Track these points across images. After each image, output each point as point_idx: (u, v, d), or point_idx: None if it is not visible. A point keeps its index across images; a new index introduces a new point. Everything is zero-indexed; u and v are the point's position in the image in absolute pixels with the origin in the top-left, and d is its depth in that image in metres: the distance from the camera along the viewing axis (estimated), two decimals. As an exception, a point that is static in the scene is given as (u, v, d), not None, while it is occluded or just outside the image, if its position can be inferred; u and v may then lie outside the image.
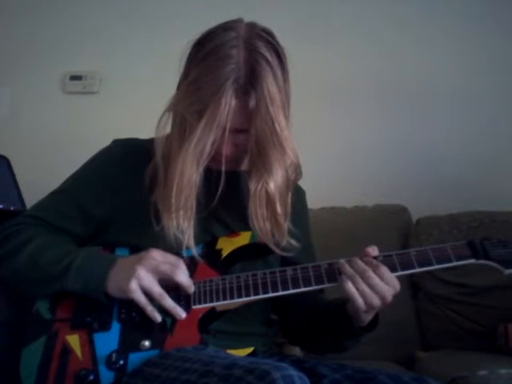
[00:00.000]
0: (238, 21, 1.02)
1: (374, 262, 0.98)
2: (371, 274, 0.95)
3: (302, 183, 1.21)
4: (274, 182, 1.03)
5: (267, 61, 0.97)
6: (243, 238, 1.10)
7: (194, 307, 1.01)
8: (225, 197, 1.06)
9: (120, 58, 2.31)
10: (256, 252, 1.10)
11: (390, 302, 0.96)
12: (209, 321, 1.02)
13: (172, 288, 1.01)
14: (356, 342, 1.08)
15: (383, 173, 2.08)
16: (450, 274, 1.69)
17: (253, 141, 0.99)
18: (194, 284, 1.02)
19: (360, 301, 0.95)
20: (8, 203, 1.53)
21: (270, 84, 0.96)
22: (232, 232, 1.12)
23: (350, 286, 0.96)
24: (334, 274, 1.00)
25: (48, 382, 0.96)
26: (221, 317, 1.03)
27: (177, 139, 1.02)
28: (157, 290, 0.98)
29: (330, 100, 2.15)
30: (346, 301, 1.01)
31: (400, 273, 0.99)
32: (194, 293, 1.02)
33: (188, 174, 1.00)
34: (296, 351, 1.37)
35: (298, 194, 1.22)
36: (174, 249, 1.03)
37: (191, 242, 1.03)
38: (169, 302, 0.99)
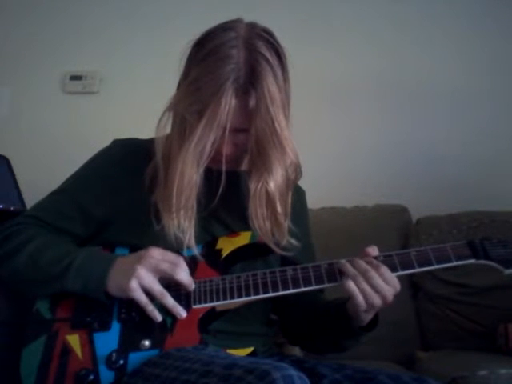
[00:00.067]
0: (238, 21, 1.02)
1: (375, 262, 0.98)
2: (373, 273, 0.96)
3: (301, 183, 1.21)
4: (274, 182, 1.03)
5: (267, 60, 0.97)
6: (243, 238, 1.10)
7: (194, 307, 1.01)
8: (225, 197, 1.06)
9: (120, 58, 2.31)
10: (256, 252, 1.10)
11: (390, 301, 0.96)
12: (209, 321, 1.02)
13: (172, 287, 1.01)
14: (356, 342, 1.08)
15: (383, 173, 2.08)
16: (450, 274, 1.69)
17: (253, 140, 0.99)
18: (195, 283, 1.02)
19: (361, 299, 0.95)
20: (8, 203, 1.53)
21: (270, 84, 0.96)
22: (232, 232, 1.12)
23: (351, 285, 0.96)
24: (334, 274, 1.01)
25: (48, 382, 0.96)
26: (221, 317, 1.03)
27: (177, 139, 1.02)
28: (157, 288, 0.99)
29: (330, 100, 2.15)
30: (345, 301, 1.02)
31: (400, 273, 0.99)
32: (194, 292, 1.02)
33: (188, 174, 1.00)
34: (296, 351, 1.37)
35: (298, 194, 1.22)
36: (175, 248, 1.02)
37: (192, 242, 1.03)
38: (170, 301, 0.99)
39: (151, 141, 1.08)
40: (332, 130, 2.12)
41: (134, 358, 0.96)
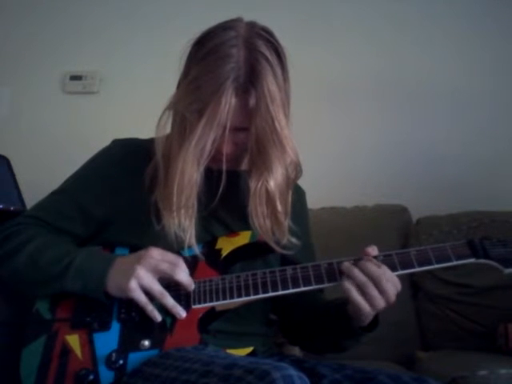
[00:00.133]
0: (238, 20, 1.02)
1: (375, 261, 0.98)
2: (382, 276, 0.94)
3: (301, 183, 1.21)
4: (274, 180, 1.03)
5: (267, 59, 0.97)
6: (243, 238, 1.10)
7: (193, 307, 1.01)
8: (225, 196, 1.06)
9: (120, 58, 2.31)
10: (256, 252, 1.10)
11: (394, 301, 0.96)
12: (208, 321, 1.02)
13: (172, 287, 1.01)
14: (356, 342, 1.08)
15: (383, 173, 2.08)
16: (450, 274, 1.69)
17: (253, 139, 0.99)
18: (194, 283, 1.02)
19: (367, 307, 0.94)
20: (8, 203, 1.52)
21: (270, 83, 0.96)
22: (232, 232, 1.12)
23: (356, 295, 0.94)
24: (334, 274, 1.00)
25: (48, 382, 0.96)
26: (220, 316, 1.03)
27: (177, 138, 1.02)
28: (157, 288, 0.99)
29: (330, 100, 2.15)
30: (346, 301, 1.01)
31: (400, 272, 0.99)
32: (194, 292, 1.02)
33: (189, 172, 1.00)
34: (296, 351, 1.37)
35: (298, 194, 1.22)
36: (175, 248, 1.03)
37: (193, 241, 1.03)
38: (169, 301, 0.99)
39: (151, 141, 1.08)
40: (332, 130, 2.13)
41: (134, 358, 0.96)
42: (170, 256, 1.01)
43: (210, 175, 1.05)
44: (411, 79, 2.12)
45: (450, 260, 1.00)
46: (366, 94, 2.13)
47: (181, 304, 1.00)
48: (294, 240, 1.07)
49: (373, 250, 1.01)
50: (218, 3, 2.09)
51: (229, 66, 0.95)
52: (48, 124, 2.29)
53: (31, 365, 0.98)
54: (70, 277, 1.00)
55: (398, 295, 0.98)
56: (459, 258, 1.00)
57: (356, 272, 0.97)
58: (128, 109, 2.20)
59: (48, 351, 0.99)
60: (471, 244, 1.01)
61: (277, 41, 1.01)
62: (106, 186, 1.12)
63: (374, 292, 0.94)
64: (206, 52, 0.98)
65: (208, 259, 1.07)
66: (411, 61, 2.13)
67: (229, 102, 0.95)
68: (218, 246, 1.10)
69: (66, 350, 0.98)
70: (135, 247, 1.06)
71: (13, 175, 1.69)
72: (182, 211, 1.02)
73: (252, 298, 1.01)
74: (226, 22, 1.02)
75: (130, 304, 1.00)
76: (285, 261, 1.10)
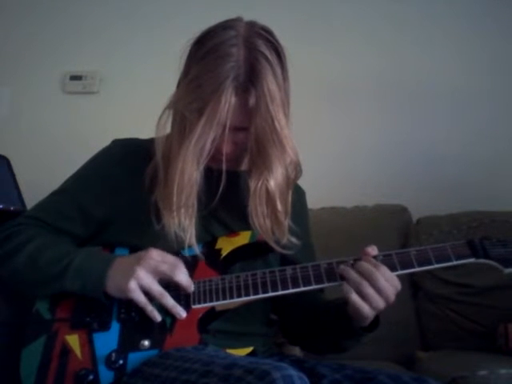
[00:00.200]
0: (238, 19, 1.03)
1: (374, 261, 0.98)
2: (378, 275, 0.94)
3: (301, 183, 1.21)
4: (274, 180, 1.03)
5: (267, 59, 0.97)
6: (243, 238, 1.10)
7: (193, 307, 1.01)
8: (224, 196, 1.06)
9: (120, 58, 2.31)
10: (255, 251, 1.10)
11: (393, 301, 0.96)
12: (208, 320, 1.02)
13: (172, 287, 1.01)
14: (356, 343, 1.07)
15: (383, 173, 2.08)
16: (450, 274, 1.69)
17: (253, 139, 0.99)
18: (194, 283, 1.02)
19: (366, 307, 0.94)
20: (8, 203, 1.52)
21: (270, 82, 0.96)
22: (231, 232, 1.12)
23: (354, 296, 0.94)
24: (334, 274, 1.00)
25: (48, 382, 0.96)
26: (220, 316, 1.03)
27: (177, 138, 1.02)
28: (157, 288, 0.98)
29: (330, 100, 2.15)
30: (346, 301, 1.01)
31: (400, 272, 0.99)
32: (194, 292, 1.02)
33: (188, 172, 1.00)
34: (296, 351, 1.37)
35: (298, 194, 1.22)
36: (175, 248, 1.03)
37: (193, 240, 1.03)
38: (169, 301, 0.99)
39: (151, 141, 1.08)
40: (332, 130, 2.13)
41: (134, 358, 0.96)
42: (170, 258, 1.01)
43: (210, 175, 1.05)
44: (411, 79, 2.12)
45: (449, 260, 1.00)
46: (366, 93, 2.13)
47: (180, 304, 1.00)
48: (293, 240, 1.07)
49: (372, 250, 1.00)
50: (218, 3, 2.09)
51: (229, 65, 0.95)
52: (48, 124, 2.29)
53: (31, 365, 0.98)
54: (69, 277, 1.00)
55: (398, 295, 0.98)
56: (459, 257, 1.00)
57: (350, 272, 0.97)
58: (128, 109, 2.20)
59: (48, 351, 0.99)
60: (471, 244, 1.01)
61: (277, 40, 1.01)
62: (106, 186, 1.12)
63: (369, 291, 0.94)
64: (206, 51, 0.98)
65: (208, 259, 1.07)
66: (411, 61, 2.13)
67: (228, 101, 0.95)
68: (217, 246, 1.10)
69: (66, 350, 0.98)
70: (135, 247, 1.06)
71: (13, 175, 1.69)
72: (182, 211, 1.02)
73: (252, 298, 1.01)
74: (225, 22, 1.02)
75: (130, 304, 1.00)
76: (284, 261, 1.10)
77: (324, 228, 1.70)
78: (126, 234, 1.10)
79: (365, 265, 0.97)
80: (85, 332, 1.00)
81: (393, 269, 0.98)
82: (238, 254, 1.09)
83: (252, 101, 0.96)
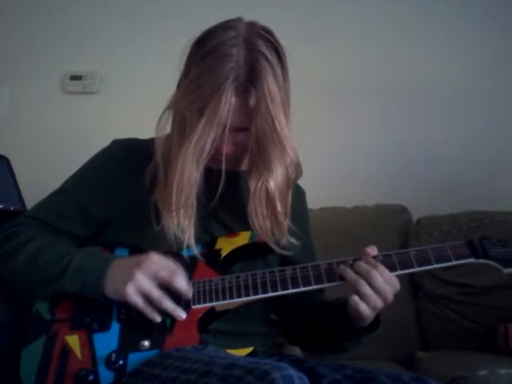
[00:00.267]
0: (238, 20, 1.02)
1: (373, 261, 0.98)
2: (375, 273, 0.95)
3: (301, 183, 1.21)
4: (274, 181, 1.03)
5: (267, 59, 0.97)
6: (242, 238, 1.10)
7: (193, 307, 1.01)
8: (224, 197, 1.06)
9: (120, 58, 2.31)
10: (255, 252, 1.10)
11: (391, 301, 0.96)
12: (208, 321, 1.02)
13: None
14: (357, 343, 1.07)
15: (383, 173, 2.08)
16: (450, 274, 1.69)
17: (253, 139, 0.99)
18: (194, 284, 1.02)
19: (364, 307, 0.94)
20: (8, 203, 1.53)
21: (270, 82, 0.96)
22: (231, 232, 1.12)
23: (353, 297, 0.95)
24: (334, 274, 1.00)
25: (48, 382, 0.96)
26: (220, 317, 1.03)
27: (177, 138, 1.02)
28: (156, 293, 0.98)
29: (330, 100, 2.15)
30: (346, 301, 1.01)
31: (399, 272, 0.99)
32: (194, 293, 1.02)
33: (188, 172, 1.00)
34: (296, 351, 1.37)
35: (298, 194, 1.22)
36: (174, 248, 1.02)
37: (192, 241, 1.03)
38: (169, 305, 0.99)
39: (151, 141, 1.08)
40: (332, 130, 2.13)
41: (134, 359, 0.96)
42: (170, 263, 1.01)
43: (210, 175, 1.05)
44: (411, 79, 2.12)
45: (449, 260, 1.00)
46: (366, 93, 2.13)
47: (180, 304, 1.00)
48: (293, 240, 1.07)
49: (372, 250, 1.01)
50: (218, 3, 2.09)
51: (229, 65, 0.95)
52: (48, 124, 2.29)
53: (31, 365, 0.98)
54: (68, 277, 1.00)
55: (398, 295, 0.98)
56: (459, 257, 1.00)
57: (349, 272, 0.97)
58: (128, 109, 2.20)
59: (48, 351, 0.99)
60: (471, 244, 1.01)
61: (277, 40, 1.01)
62: (106, 186, 1.12)
63: (366, 290, 0.94)
64: (206, 52, 0.98)
65: (207, 259, 1.07)
66: (411, 61, 2.13)
67: (229, 101, 0.95)
68: (217, 247, 1.10)
69: (66, 351, 0.98)
70: (135, 247, 1.06)
71: (13, 175, 1.69)
72: (181, 211, 1.01)
73: (251, 298, 1.01)
74: (226, 22, 1.02)
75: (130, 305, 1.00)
76: (284, 261, 1.10)
77: (324, 228, 1.70)
78: (125, 234, 1.10)
79: (362, 264, 0.97)
80: (85, 332, 1.00)
81: (392, 269, 0.98)
82: (238, 254, 1.09)
83: (252, 101, 0.96)
